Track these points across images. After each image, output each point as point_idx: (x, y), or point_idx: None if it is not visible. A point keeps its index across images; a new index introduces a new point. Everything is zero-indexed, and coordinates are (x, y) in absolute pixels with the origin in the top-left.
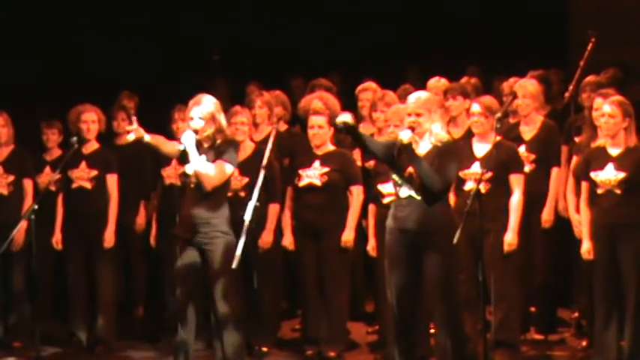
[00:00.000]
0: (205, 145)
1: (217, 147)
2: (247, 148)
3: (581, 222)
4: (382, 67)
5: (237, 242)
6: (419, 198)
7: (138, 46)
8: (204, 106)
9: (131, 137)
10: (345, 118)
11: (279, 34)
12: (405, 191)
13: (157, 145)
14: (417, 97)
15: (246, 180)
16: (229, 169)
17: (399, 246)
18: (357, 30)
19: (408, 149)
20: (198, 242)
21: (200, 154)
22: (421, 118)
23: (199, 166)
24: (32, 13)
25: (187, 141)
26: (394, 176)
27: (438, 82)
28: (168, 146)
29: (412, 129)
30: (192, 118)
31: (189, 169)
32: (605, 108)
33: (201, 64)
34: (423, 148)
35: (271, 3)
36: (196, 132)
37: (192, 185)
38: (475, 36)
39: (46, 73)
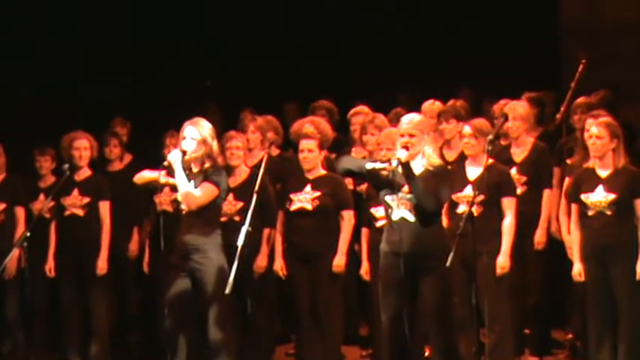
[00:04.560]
0: (195, 170)
1: (205, 171)
2: (242, 173)
3: (572, 244)
4: (374, 91)
5: (230, 267)
6: (412, 220)
7: (130, 73)
8: (199, 127)
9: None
10: (401, 155)
11: (271, 60)
12: (398, 214)
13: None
14: (410, 118)
15: (240, 204)
16: (215, 190)
17: (393, 269)
18: (350, 55)
19: (405, 167)
20: (189, 268)
21: (188, 178)
22: (414, 139)
23: (184, 184)
24: (29, 40)
25: (174, 159)
26: (386, 199)
27: (432, 105)
28: (149, 174)
29: (406, 148)
30: (184, 138)
31: (179, 194)
32: (593, 129)
33: (194, 90)
34: (415, 170)
35: (266, 35)
36: (185, 153)
37: (184, 212)
38: (467, 58)
39: (39, 100)
